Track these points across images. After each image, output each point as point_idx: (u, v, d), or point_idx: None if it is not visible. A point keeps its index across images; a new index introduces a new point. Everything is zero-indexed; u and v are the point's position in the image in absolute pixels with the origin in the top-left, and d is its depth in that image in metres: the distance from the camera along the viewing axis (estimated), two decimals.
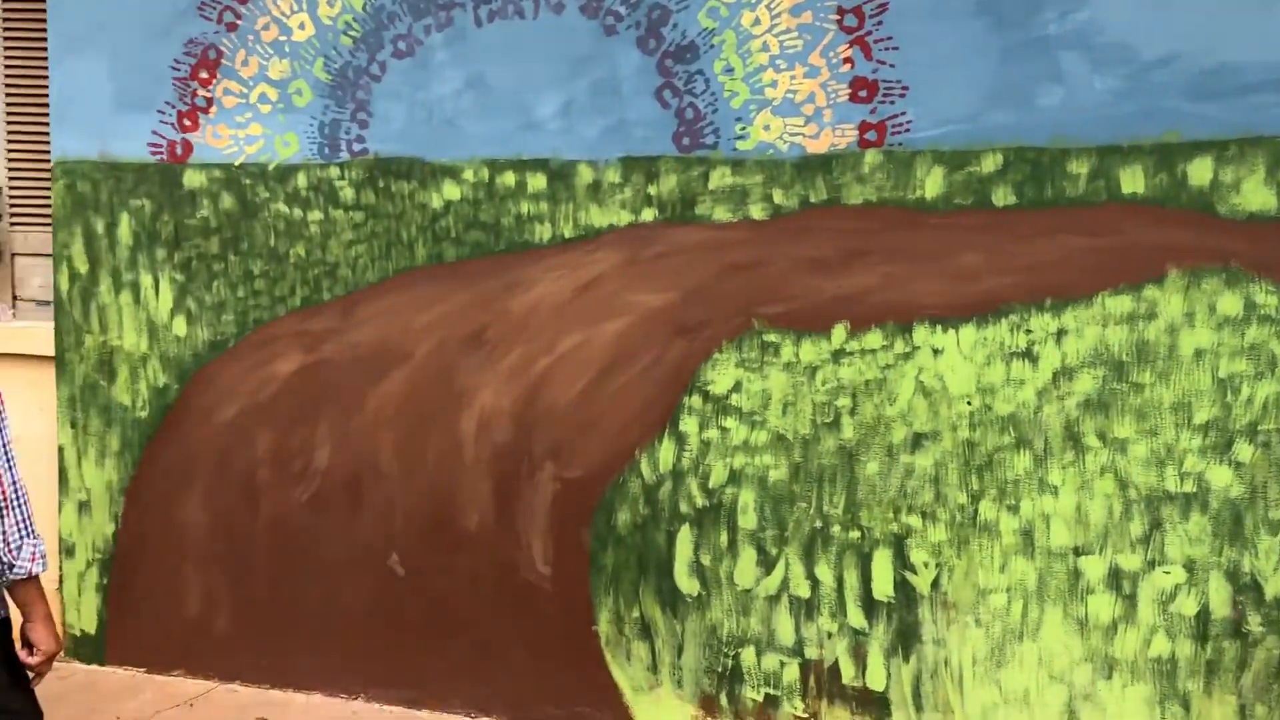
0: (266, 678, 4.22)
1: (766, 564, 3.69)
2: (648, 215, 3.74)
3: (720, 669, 3.76)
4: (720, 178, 3.67)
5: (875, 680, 3.62)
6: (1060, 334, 3.41)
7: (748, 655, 3.73)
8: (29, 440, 4.48)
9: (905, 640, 3.59)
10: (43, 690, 4.20)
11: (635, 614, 3.82)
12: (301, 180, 4.03)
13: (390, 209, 3.96)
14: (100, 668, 4.40)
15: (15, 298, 5.02)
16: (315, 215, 4.03)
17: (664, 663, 3.82)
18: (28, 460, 4.53)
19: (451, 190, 3.90)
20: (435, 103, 3.89)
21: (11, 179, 4.93)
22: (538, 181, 3.82)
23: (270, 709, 4.07)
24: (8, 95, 4.87)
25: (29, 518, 2.34)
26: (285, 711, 4.06)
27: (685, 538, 3.76)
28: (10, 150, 4.89)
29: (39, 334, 4.41)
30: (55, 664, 4.43)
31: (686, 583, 3.77)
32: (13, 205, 4.95)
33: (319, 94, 3.98)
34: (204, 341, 4.17)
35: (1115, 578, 3.37)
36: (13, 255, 5.01)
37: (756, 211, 3.65)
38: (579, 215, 3.79)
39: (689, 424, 3.73)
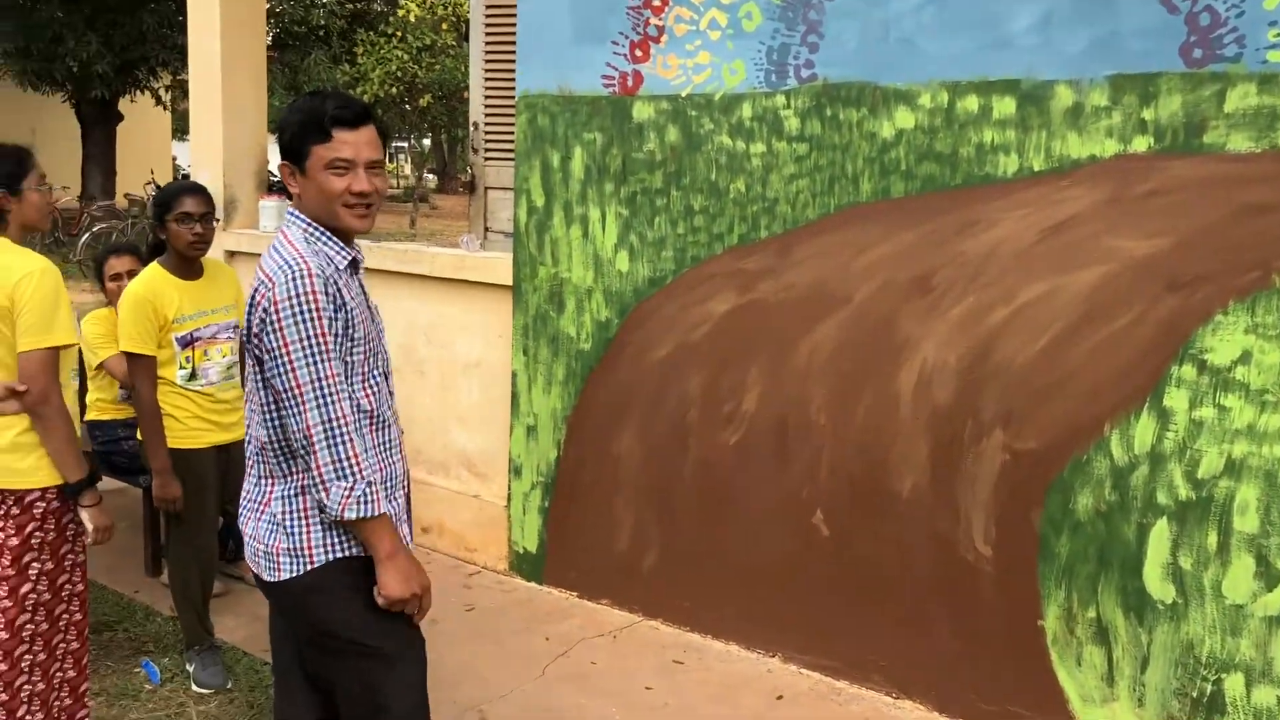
0: (687, 620, 4.17)
1: (1268, 577, 2.99)
2: (1140, 144, 3.12)
3: (1195, 693, 3.12)
4: (1241, 98, 2.96)
5: None
6: None
7: (1233, 683, 3.06)
8: (489, 364, 4.74)
9: None
10: (487, 599, 4.46)
11: (1091, 614, 3.28)
12: (746, 110, 3.82)
13: (836, 139, 3.64)
14: (539, 586, 4.58)
15: (486, 229, 5.33)
16: (758, 148, 3.81)
17: (1123, 675, 3.25)
18: (487, 383, 4.80)
19: (904, 117, 3.50)
20: (893, 20, 3.50)
21: (488, 115, 5.22)
22: (1005, 106, 3.32)
23: (687, 653, 4.00)
24: (486, 34, 5.13)
25: (343, 459, 2.16)
26: (701, 658, 3.97)
27: (1161, 534, 3.14)
28: (486, 87, 5.17)
29: (501, 264, 4.60)
30: (501, 577, 4.72)
31: (1159, 587, 3.16)
32: (488, 140, 5.24)
33: (769, 16, 3.73)
34: (644, 278, 4.12)
35: None
36: (486, 189, 5.32)
37: None
38: (1053, 145, 3.25)
39: (1176, 398, 3.09)
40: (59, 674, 3.02)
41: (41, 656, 2.94)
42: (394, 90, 18.57)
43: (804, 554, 3.83)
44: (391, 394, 2.43)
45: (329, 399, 2.14)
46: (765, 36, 3.75)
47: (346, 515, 2.16)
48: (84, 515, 2.90)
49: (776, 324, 3.80)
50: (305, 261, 2.16)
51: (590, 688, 3.74)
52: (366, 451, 2.21)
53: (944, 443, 3.50)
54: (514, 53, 4.52)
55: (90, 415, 4.53)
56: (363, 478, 2.17)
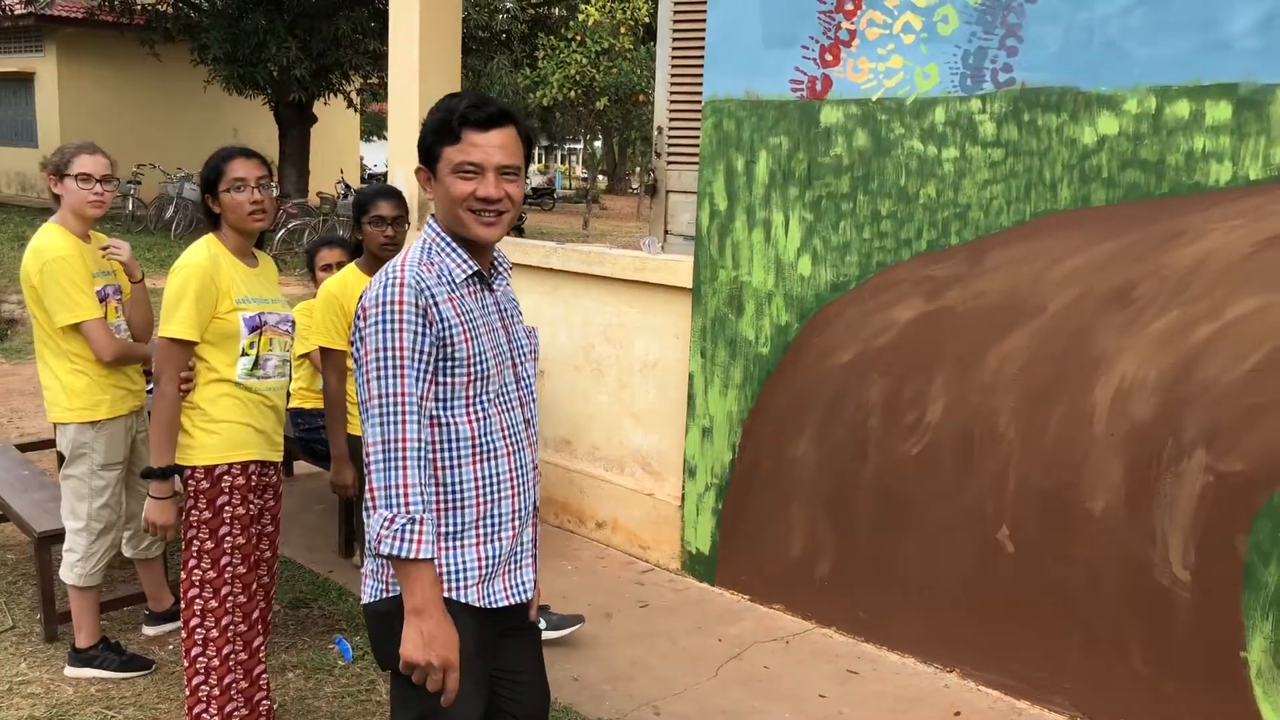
0: (861, 630, 4.12)
1: None
2: None
3: None
4: None
5: None
6: None
7: None
8: (667, 365, 4.79)
9: None
10: (659, 597, 4.52)
11: None
12: (939, 115, 3.75)
13: (1033, 145, 3.54)
14: (710, 587, 4.61)
15: (666, 231, 5.39)
16: (950, 153, 3.73)
17: None
18: (664, 384, 4.86)
19: (1108, 123, 3.38)
20: (1098, 23, 3.38)
21: (671, 119, 5.27)
22: (1220, 111, 3.16)
23: (861, 663, 3.96)
24: (674, 39, 5.19)
25: (391, 485, 1.95)
26: (875, 669, 3.92)
27: None
28: (672, 92, 5.22)
29: (681, 267, 4.65)
30: (673, 576, 4.77)
31: None
32: (670, 144, 5.30)
33: (966, 20, 3.66)
34: (827, 282, 4.10)
35: None
36: (667, 192, 5.38)
37: None
38: (1273, 152, 3.08)
39: None
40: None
41: (243, 628, 3.12)
42: (572, 94, 18.95)
43: (986, 569, 3.74)
44: (528, 422, 2.23)
45: (393, 418, 1.97)
46: (961, 40, 3.68)
47: (381, 548, 1.95)
48: (146, 504, 3.00)
49: (965, 333, 3.73)
50: (402, 271, 2.02)
51: (763, 691, 3.74)
52: (423, 485, 1.99)
53: (1141, 462, 3.36)
54: (701, 57, 4.56)
55: (294, 403, 4.80)
56: (407, 512, 1.95)
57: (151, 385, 4.21)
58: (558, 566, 4.83)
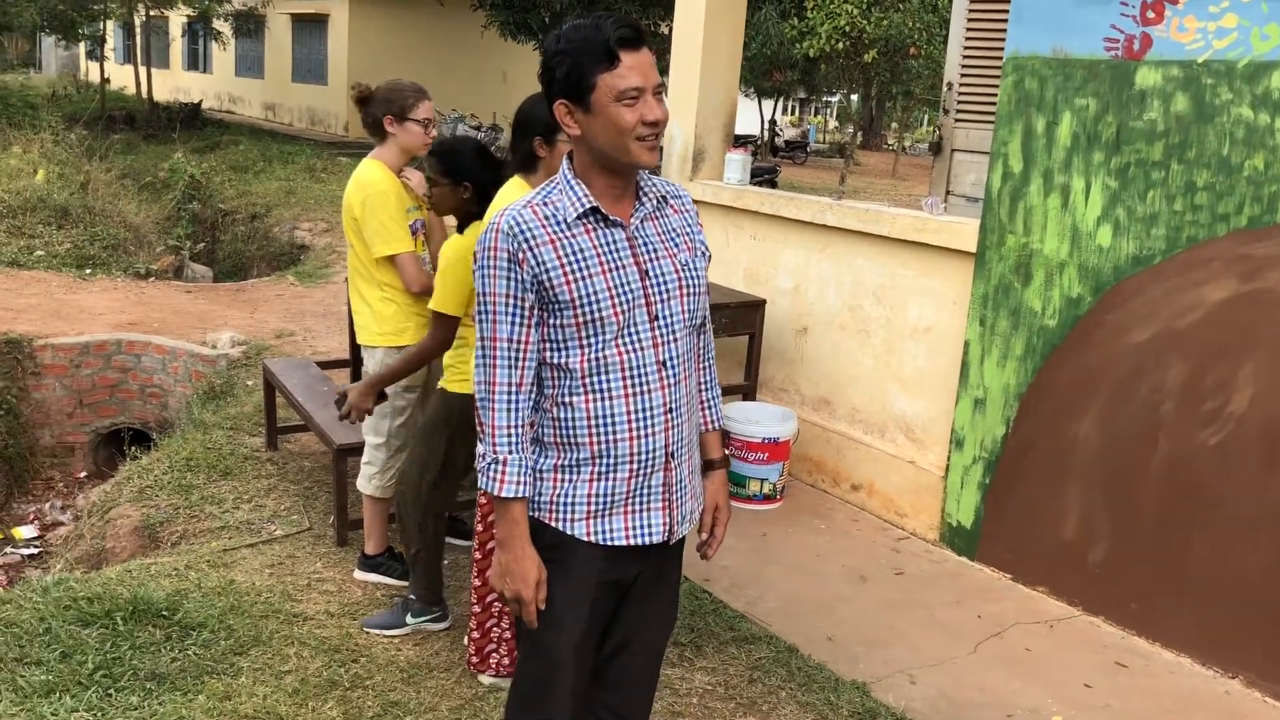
0: (1133, 623, 3.92)
1: None
2: None
3: None
4: None
5: None
6: None
7: None
8: (940, 331, 4.67)
9: None
10: (915, 566, 4.45)
11: None
12: (1275, 80, 3.44)
13: None
14: (969, 562, 4.50)
15: (948, 192, 5.22)
16: None
17: None
18: (935, 350, 4.73)
19: None
20: None
21: (963, 75, 5.08)
22: None
23: (1131, 658, 3.77)
24: None
25: (485, 425, 2.07)
26: (1147, 665, 3.73)
27: None
28: (966, 47, 5.02)
29: (965, 230, 4.49)
30: (930, 546, 4.67)
31: None
32: (960, 101, 5.10)
33: None
34: (1128, 255, 3.86)
35: None
36: (952, 150, 5.20)
37: None
38: None
39: None
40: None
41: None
42: (840, 45, 18.52)
43: None
44: (664, 363, 2.11)
45: (488, 362, 2.06)
46: None
47: (480, 481, 2.10)
48: None
49: None
50: (503, 215, 2.04)
51: (1024, 673, 3.63)
52: (514, 426, 2.06)
53: None
54: (1003, 12, 4.37)
55: None
56: (494, 452, 2.06)
57: None
58: (810, 524, 4.83)
